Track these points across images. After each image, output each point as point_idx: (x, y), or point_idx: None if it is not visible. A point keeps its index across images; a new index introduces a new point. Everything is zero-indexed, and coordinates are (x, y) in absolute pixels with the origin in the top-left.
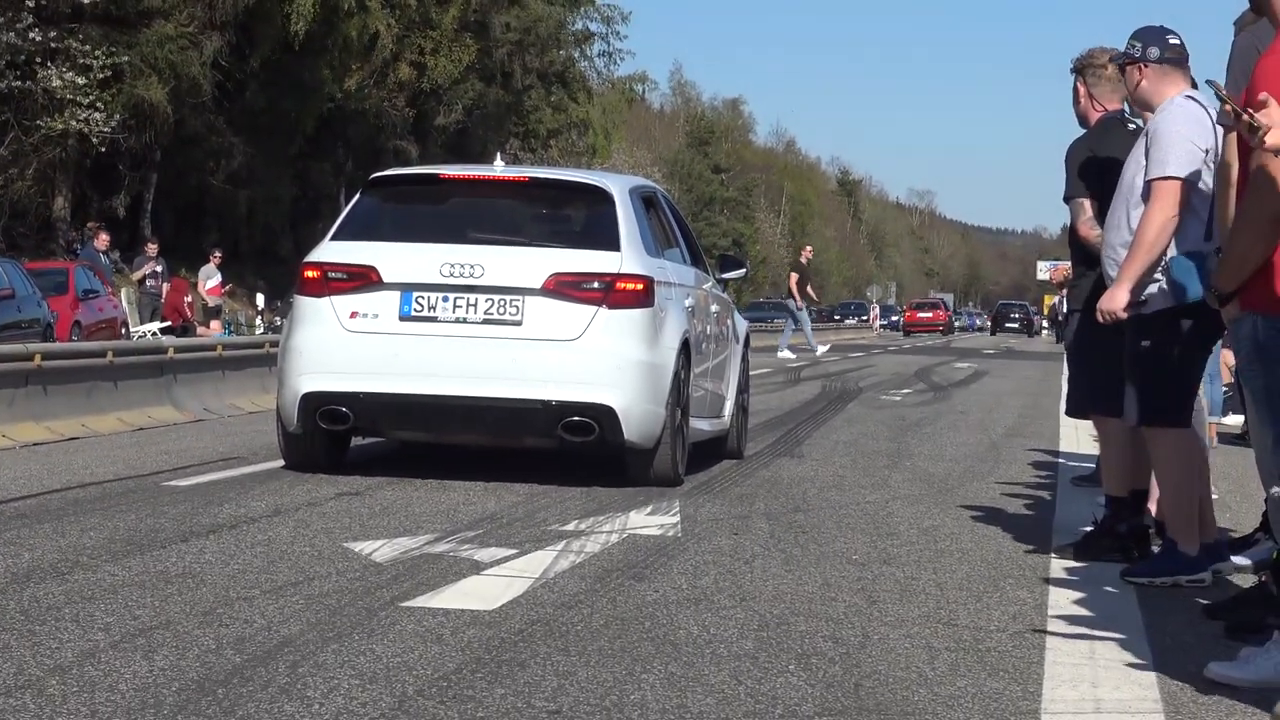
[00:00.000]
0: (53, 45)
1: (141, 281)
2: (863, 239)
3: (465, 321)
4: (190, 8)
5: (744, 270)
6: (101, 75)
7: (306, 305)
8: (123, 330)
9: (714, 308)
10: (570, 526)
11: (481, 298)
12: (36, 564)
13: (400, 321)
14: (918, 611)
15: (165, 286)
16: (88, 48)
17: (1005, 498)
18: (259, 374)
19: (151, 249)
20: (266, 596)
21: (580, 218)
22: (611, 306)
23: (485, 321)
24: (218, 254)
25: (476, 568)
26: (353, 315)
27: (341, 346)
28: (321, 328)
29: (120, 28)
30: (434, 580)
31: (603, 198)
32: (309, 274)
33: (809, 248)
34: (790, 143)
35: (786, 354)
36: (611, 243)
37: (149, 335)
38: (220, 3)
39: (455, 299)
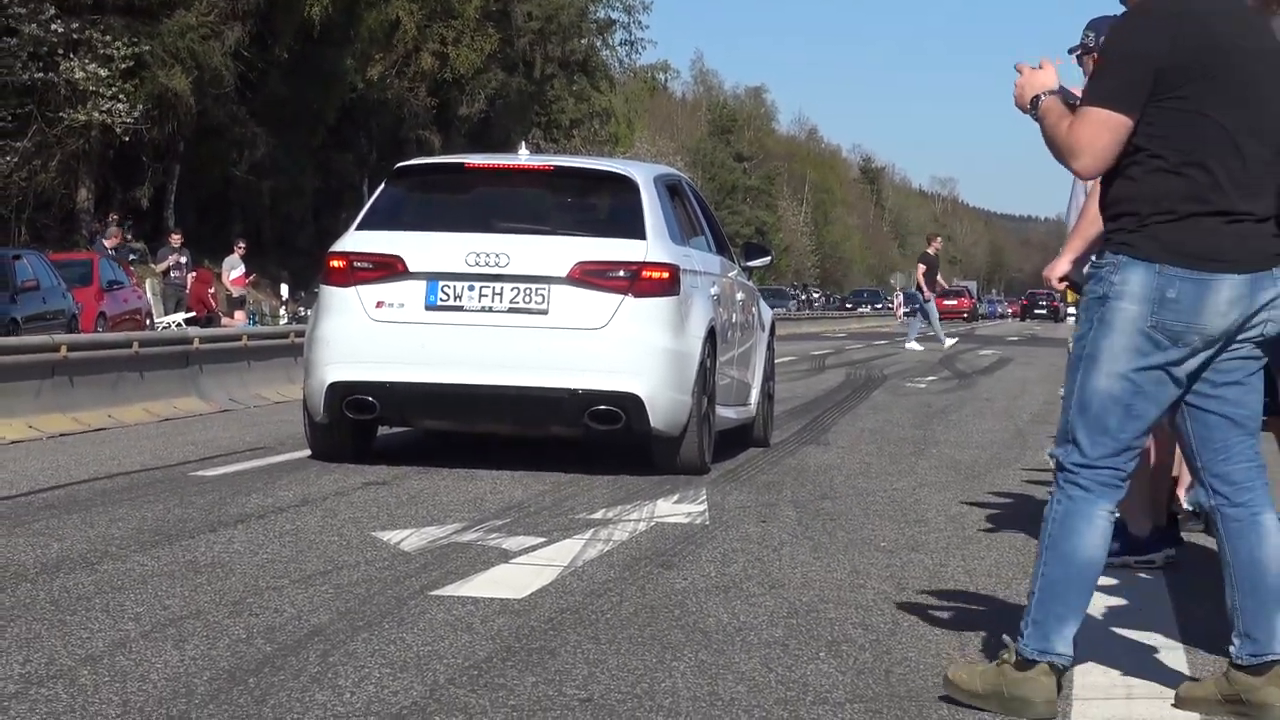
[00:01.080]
0: (75, 37)
1: (166, 273)
2: (885, 227)
3: (491, 311)
4: None
5: (769, 258)
6: (124, 66)
7: (333, 295)
8: (147, 321)
9: (739, 295)
10: (598, 515)
11: (507, 287)
12: (66, 554)
13: (426, 311)
14: (947, 598)
15: (189, 277)
16: (109, 38)
17: (1032, 485)
18: (284, 364)
19: (176, 240)
20: (296, 586)
21: (605, 206)
22: (637, 295)
23: (511, 310)
24: (242, 244)
25: (505, 556)
26: (379, 305)
27: (368, 336)
28: (348, 317)
29: (142, 18)
30: (463, 569)
31: (628, 186)
32: (335, 264)
33: (939, 238)
34: (812, 131)
35: (914, 346)
36: (637, 231)
37: (173, 326)
38: None
39: (481, 288)
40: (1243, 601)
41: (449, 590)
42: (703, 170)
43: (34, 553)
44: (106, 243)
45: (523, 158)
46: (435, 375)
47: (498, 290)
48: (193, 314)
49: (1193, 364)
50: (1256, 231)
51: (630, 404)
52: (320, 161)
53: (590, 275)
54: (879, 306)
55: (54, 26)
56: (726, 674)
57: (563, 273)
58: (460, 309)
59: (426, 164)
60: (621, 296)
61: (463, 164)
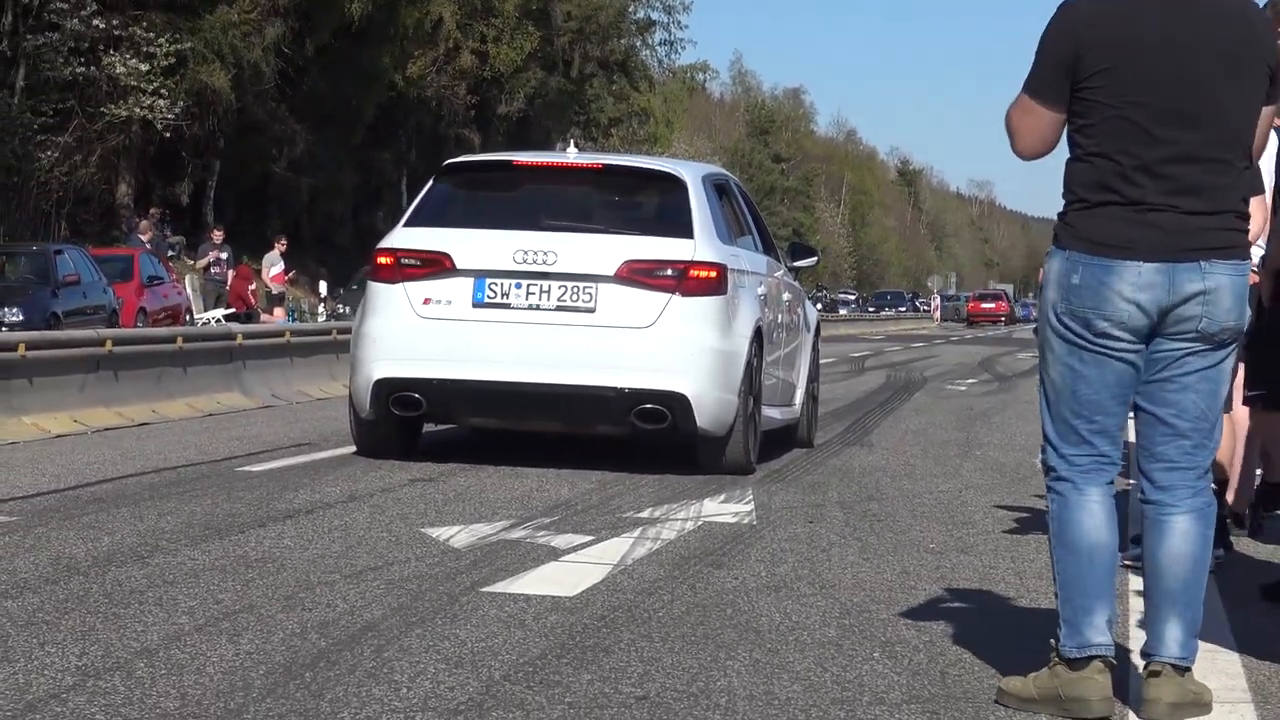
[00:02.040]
0: (116, 33)
1: (206, 268)
2: (923, 229)
3: (538, 308)
4: None
5: (816, 259)
6: (165, 63)
7: (380, 291)
8: (186, 317)
9: (786, 296)
10: (645, 514)
11: (555, 285)
12: (116, 548)
13: (473, 308)
14: (998, 600)
15: (230, 273)
16: (151, 34)
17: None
18: (326, 361)
19: (217, 236)
20: (347, 581)
21: (653, 205)
22: (685, 294)
23: (558, 309)
24: (283, 241)
25: (554, 554)
26: (426, 302)
27: (415, 333)
28: (395, 314)
29: (183, 14)
30: (513, 566)
31: (676, 185)
32: (382, 260)
33: None
34: (851, 133)
35: None
36: (685, 230)
37: (212, 322)
38: None
39: (528, 286)
40: (1145, 597)
41: (500, 587)
42: (740, 171)
43: (85, 546)
44: (142, 236)
45: (571, 155)
46: (482, 373)
47: (545, 288)
48: (232, 310)
49: (1127, 348)
50: (1182, 223)
51: (677, 403)
52: (359, 159)
53: (638, 274)
54: (903, 310)
55: (95, 22)
56: (781, 673)
57: (610, 271)
58: (508, 307)
59: (475, 161)
60: (669, 295)
61: (511, 161)
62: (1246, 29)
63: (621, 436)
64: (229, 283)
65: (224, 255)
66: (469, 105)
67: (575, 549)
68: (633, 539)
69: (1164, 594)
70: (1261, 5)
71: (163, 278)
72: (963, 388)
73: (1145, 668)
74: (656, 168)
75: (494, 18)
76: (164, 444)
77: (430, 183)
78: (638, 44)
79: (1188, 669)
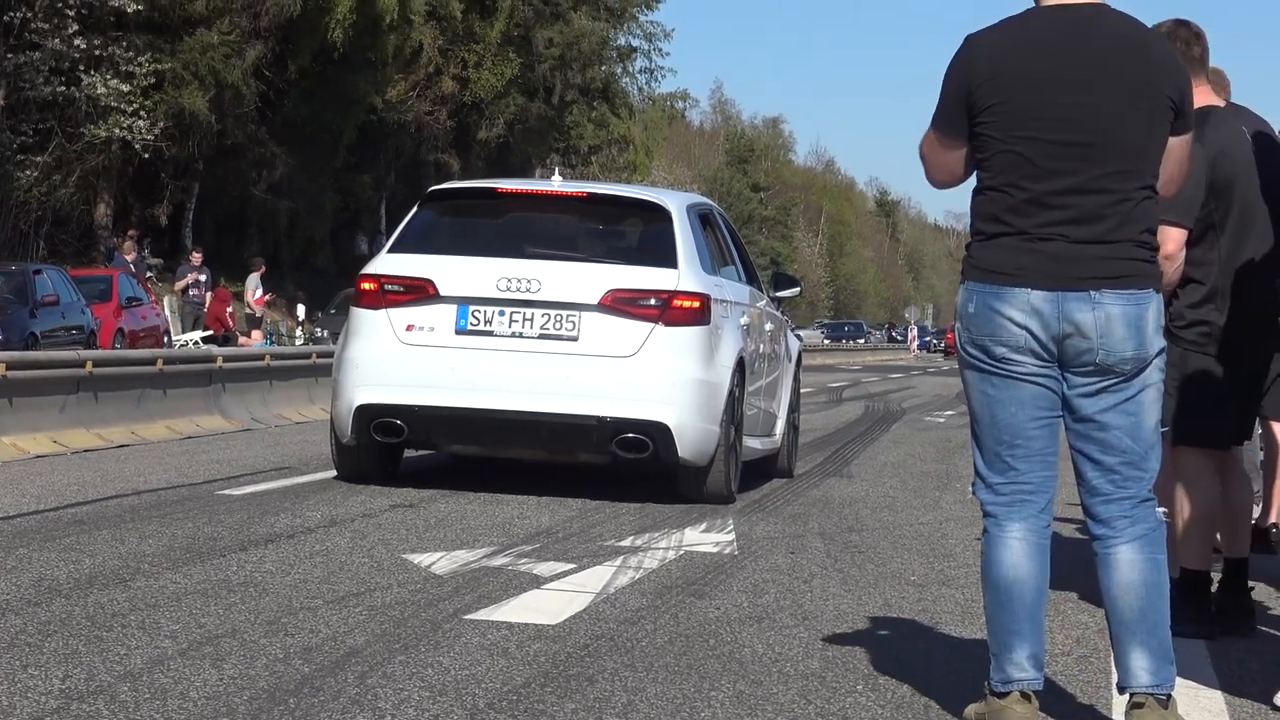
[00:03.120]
0: (97, 53)
1: (185, 290)
2: (900, 260)
3: (521, 336)
4: (233, 16)
5: (798, 289)
6: (145, 83)
7: (363, 317)
8: (164, 338)
9: (768, 326)
10: (626, 542)
11: (538, 313)
12: (98, 570)
13: (456, 335)
14: (980, 634)
15: (208, 295)
16: (131, 54)
17: (1058, 523)
18: (305, 384)
19: (196, 258)
20: (330, 607)
21: (637, 234)
22: (668, 324)
23: (541, 337)
24: (263, 264)
25: (536, 582)
26: (409, 328)
27: (397, 359)
28: (377, 340)
29: (163, 35)
30: (495, 594)
31: (660, 214)
32: (366, 286)
33: None
34: (829, 163)
35: None
36: (669, 260)
37: (190, 344)
38: (263, 11)
39: (512, 314)
40: (1110, 633)
41: (483, 615)
42: (720, 199)
43: (66, 568)
44: (126, 257)
45: (555, 183)
46: (464, 400)
47: (528, 316)
48: (210, 332)
49: (1036, 371)
50: (1072, 252)
51: (658, 433)
52: (339, 183)
53: (621, 303)
54: (860, 342)
55: (76, 42)
56: (765, 705)
57: (594, 300)
58: (490, 334)
59: (459, 188)
60: (652, 325)
61: (495, 189)
62: (1144, 61)
63: (604, 464)
64: (207, 305)
65: (203, 277)
66: (449, 130)
67: (558, 577)
68: (615, 567)
69: (1123, 625)
70: (1166, 32)
71: (141, 299)
72: (941, 419)
73: (1128, 703)
74: (641, 197)
75: (475, 44)
76: (144, 466)
77: (414, 209)
78: (618, 71)
79: (1168, 697)
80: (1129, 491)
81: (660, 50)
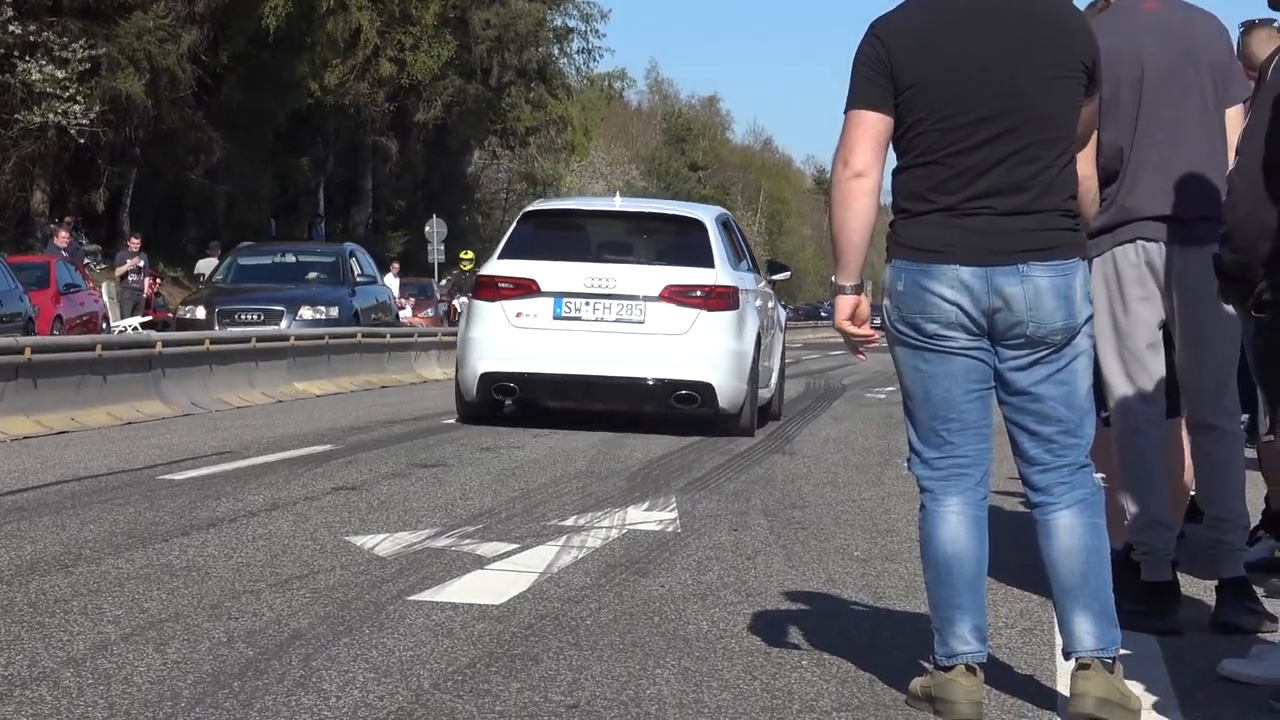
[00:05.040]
0: (31, 39)
1: (124, 276)
2: None
3: (602, 320)
4: (168, 0)
5: (788, 273)
6: (80, 68)
7: (482, 307)
8: (103, 325)
9: (769, 304)
10: (569, 522)
11: (614, 303)
12: (39, 556)
13: (554, 320)
14: (924, 609)
15: (146, 281)
16: (66, 40)
17: (1000, 496)
18: (246, 369)
19: (134, 244)
20: (273, 590)
21: (682, 241)
22: (710, 310)
23: (617, 320)
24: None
25: (480, 562)
26: (518, 315)
27: (510, 338)
28: (494, 324)
29: (98, 20)
30: (438, 575)
31: (698, 226)
32: (484, 283)
33: None
34: (767, 141)
35: None
36: (708, 261)
37: (129, 330)
38: None
39: (595, 304)
40: (1053, 599)
41: (427, 595)
42: (657, 179)
43: (7, 555)
44: (57, 243)
45: (618, 203)
46: (561, 368)
47: (607, 305)
48: (149, 318)
49: (967, 345)
50: (997, 225)
51: (705, 390)
52: (277, 167)
53: (675, 295)
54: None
55: (11, 28)
56: (710, 681)
57: (655, 293)
58: (579, 319)
59: (549, 209)
60: (698, 311)
61: (577, 209)
62: (1056, 29)
63: (661, 414)
64: (146, 291)
65: (141, 263)
66: (387, 113)
67: (501, 557)
68: (558, 547)
69: (1065, 590)
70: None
71: (79, 285)
72: (882, 395)
73: (1074, 667)
74: (683, 213)
75: (412, 26)
76: (84, 452)
77: (515, 224)
78: (555, 52)
79: (1114, 660)
80: (1067, 459)
81: (597, 31)
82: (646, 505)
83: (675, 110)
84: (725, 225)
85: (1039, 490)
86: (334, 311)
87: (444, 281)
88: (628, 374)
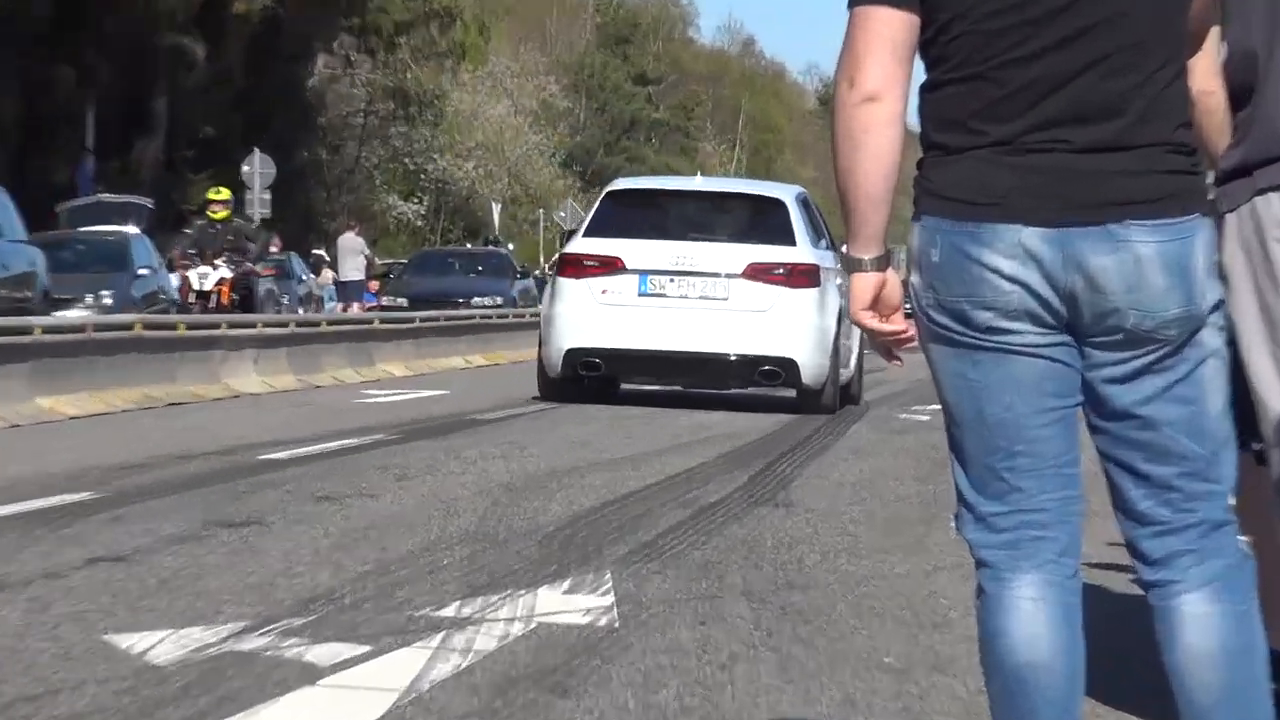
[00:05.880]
0: None
1: None
2: None
3: (686, 298)
4: None
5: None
6: None
7: (567, 284)
8: None
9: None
10: (449, 610)
11: (698, 280)
12: None
13: (638, 297)
14: None
15: None
16: None
17: (1099, 570)
18: None
19: None
20: None
21: (765, 220)
22: (792, 287)
23: (701, 298)
24: None
25: (309, 675)
26: (603, 292)
27: (595, 315)
28: (579, 301)
29: None
30: (245, 695)
31: (779, 205)
32: (569, 261)
33: None
34: (748, 43)
35: None
36: (790, 239)
37: None
38: None
39: (679, 281)
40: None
41: None
42: (590, 97)
43: None
44: None
45: (699, 183)
46: (646, 343)
47: (691, 283)
48: None
49: (1037, 340)
50: (1079, 165)
51: (789, 366)
52: (27, 79)
53: (758, 272)
54: None
55: None
56: None
57: (738, 270)
58: (664, 296)
59: (632, 189)
60: (781, 288)
61: (661, 188)
62: None
63: (742, 391)
64: None
65: None
66: (190, 4)
67: (342, 666)
68: (430, 650)
69: (1198, 711)
70: None
71: None
72: (925, 418)
73: None
74: (763, 193)
75: None
76: None
77: (598, 202)
78: None
79: None
80: (1196, 515)
81: None
82: (567, 584)
83: (614, 1)
84: (805, 204)
85: (1155, 564)
86: (107, 299)
87: (184, 237)
88: (712, 350)
